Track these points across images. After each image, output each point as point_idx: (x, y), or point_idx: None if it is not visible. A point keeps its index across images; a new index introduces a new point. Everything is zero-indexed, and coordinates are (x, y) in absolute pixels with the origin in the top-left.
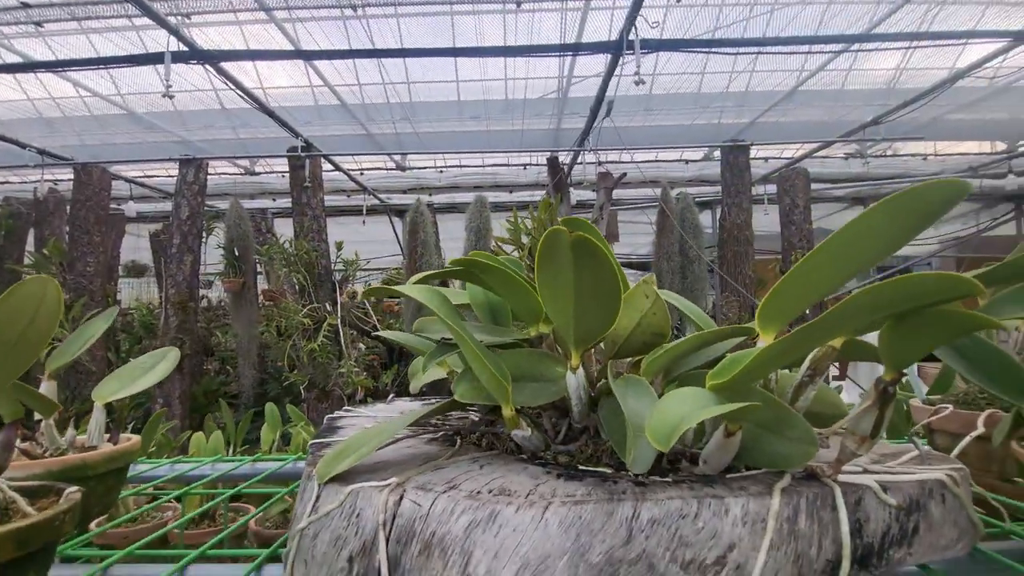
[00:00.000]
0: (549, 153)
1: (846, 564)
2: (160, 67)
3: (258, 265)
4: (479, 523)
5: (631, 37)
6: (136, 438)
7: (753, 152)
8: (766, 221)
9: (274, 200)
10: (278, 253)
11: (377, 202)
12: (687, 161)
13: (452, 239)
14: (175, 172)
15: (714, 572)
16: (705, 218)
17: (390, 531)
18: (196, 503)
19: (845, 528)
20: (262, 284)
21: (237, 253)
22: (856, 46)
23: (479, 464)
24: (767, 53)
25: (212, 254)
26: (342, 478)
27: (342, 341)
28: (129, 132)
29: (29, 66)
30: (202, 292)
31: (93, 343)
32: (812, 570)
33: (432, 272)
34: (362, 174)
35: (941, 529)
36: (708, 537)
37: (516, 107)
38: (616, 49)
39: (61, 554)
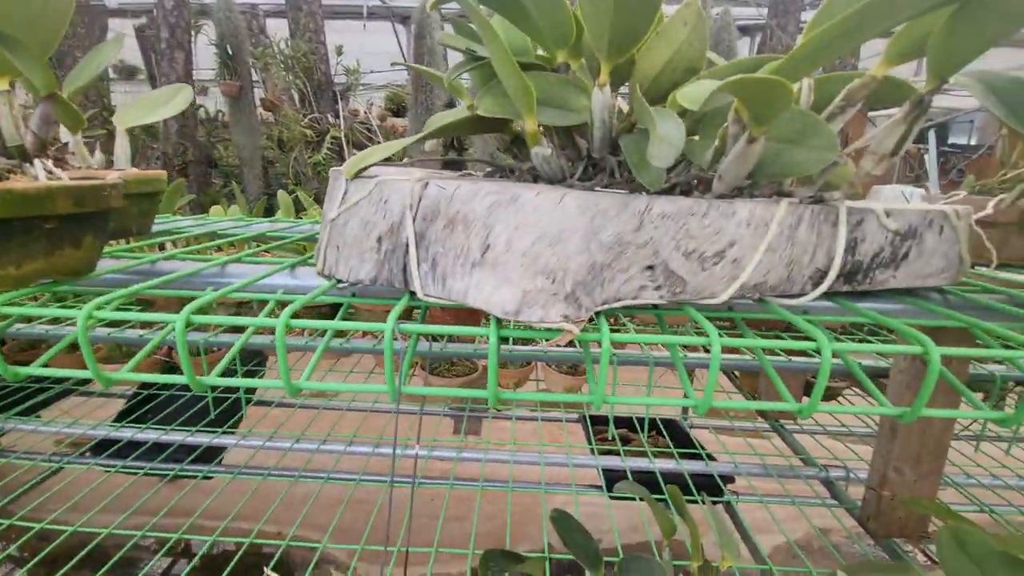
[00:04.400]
0: None
1: (832, 276)
2: None
3: (253, 71)
4: (501, 203)
5: None
6: (162, 171)
7: None
8: None
9: None
10: (274, 56)
11: (379, 2)
12: None
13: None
14: None
15: (712, 263)
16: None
17: (416, 212)
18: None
19: (841, 244)
20: (260, 95)
21: (230, 52)
22: None
23: (496, 178)
24: None
25: (204, 59)
26: (368, 174)
27: (346, 156)
28: None
29: None
30: (198, 101)
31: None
32: (801, 275)
33: None
34: None
35: (930, 258)
36: (712, 233)
37: None
38: None
39: (112, 254)
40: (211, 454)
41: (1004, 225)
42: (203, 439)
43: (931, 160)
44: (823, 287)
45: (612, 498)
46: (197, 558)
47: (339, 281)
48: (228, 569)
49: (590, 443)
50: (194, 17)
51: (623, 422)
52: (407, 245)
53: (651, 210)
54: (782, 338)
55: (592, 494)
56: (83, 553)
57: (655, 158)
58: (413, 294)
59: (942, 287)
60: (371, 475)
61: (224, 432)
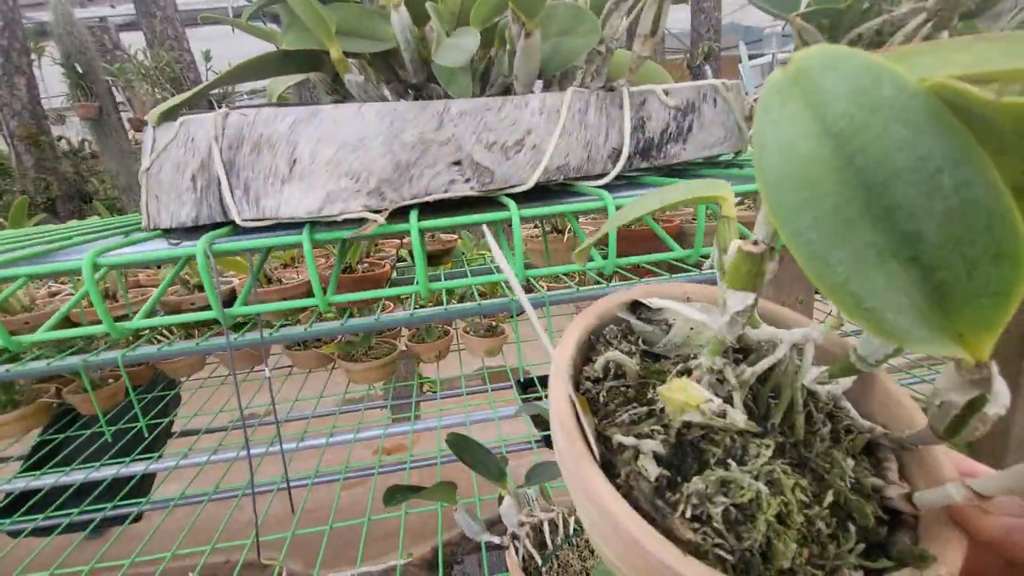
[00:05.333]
0: None
1: (626, 152)
2: None
3: (114, 89)
4: (302, 120)
5: None
6: None
7: None
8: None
9: (113, 7)
10: (134, 70)
11: (245, 2)
12: None
13: None
14: None
15: (515, 151)
16: None
17: (222, 142)
18: None
19: (627, 123)
20: (129, 117)
21: (80, 70)
22: None
23: None
24: None
25: (56, 85)
26: (172, 116)
27: None
28: None
29: None
30: (56, 132)
31: None
32: (600, 155)
33: None
34: None
35: (711, 128)
36: (509, 124)
37: None
38: None
39: None
40: (119, 486)
41: None
42: (107, 472)
43: (744, 67)
44: (620, 164)
45: (537, 442)
46: None
47: (166, 231)
48: None
49: (517, 396)
50: (33, 39)
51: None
52: (219, 177)
53: (449, 110)
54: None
55: (522, 449)
56: None
57: (443, 58)
58: (235, 224)
59: (737, 160)
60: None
61: (133, 460)
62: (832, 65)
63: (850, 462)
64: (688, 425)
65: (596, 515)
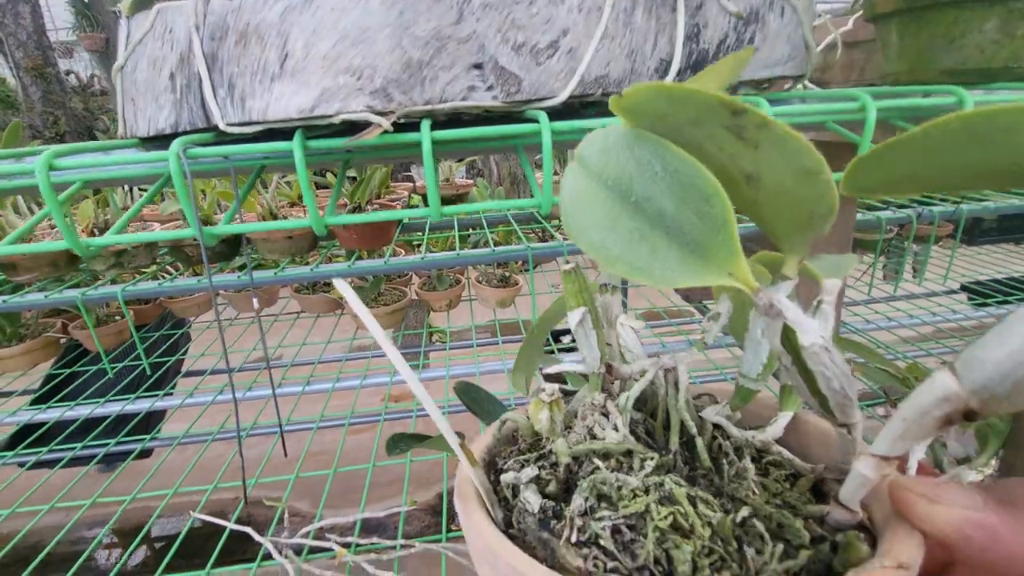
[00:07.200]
0: None
1: (676, 65)
2: None
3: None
4: (295, 8)
5: None
6: None
7: None
8: None
9: None
10: None
11: None
12: None
13: None
14: None
15: (547, 56)
16: None
17: (203, 32)
18: None
19: (680, 30)
20: None
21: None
22: None
23: None
24: None
25: (61, 17)
26: (148, 5)
27: None
28: None
29: None
30: (64, 66)
31: None
32: (645, 66)
33: None
34: None
35: (775, 43)
36: (542, 22)
37: None
38: None
39: None
40: (125, 422)
41: (865, 43)
42: (112, 408)
43: None
44: (669, 79)
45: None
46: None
47: (143, 140)
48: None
49: (552, 345)
50: None
51: (564, 333)
52: (200, 74)
53: (471, 0)
54: None
55: None
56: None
57: None
58: (219, 130)
59: (803, 93)
60: (298, 422)
61: (138, 398)
62: (590, 141)
63: (774, 488)
64: (578, 461)
65: (493, 562)
